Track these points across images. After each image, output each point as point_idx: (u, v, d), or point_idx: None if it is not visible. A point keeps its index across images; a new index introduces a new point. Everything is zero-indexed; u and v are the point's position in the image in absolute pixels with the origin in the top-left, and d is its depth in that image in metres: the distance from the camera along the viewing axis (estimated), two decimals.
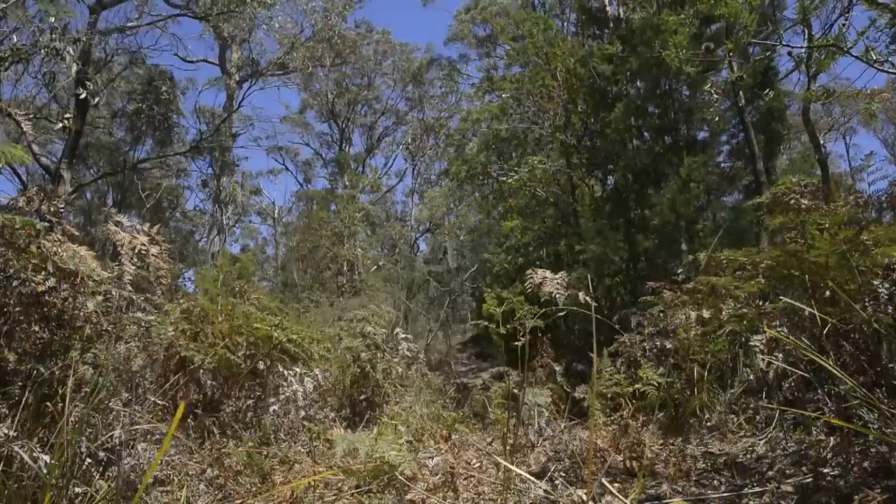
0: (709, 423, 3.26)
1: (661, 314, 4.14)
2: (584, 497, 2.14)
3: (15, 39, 7.31)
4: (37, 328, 2.40)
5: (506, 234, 12.66)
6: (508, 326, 3.65)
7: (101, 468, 2.22)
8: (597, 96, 10.06)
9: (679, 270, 4.64)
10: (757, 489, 2.27)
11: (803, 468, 2.37)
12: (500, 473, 2.59)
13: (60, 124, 9.41)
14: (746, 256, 3.45)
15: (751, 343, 3.11)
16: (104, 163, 19.71)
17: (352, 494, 2.53)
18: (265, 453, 3.02)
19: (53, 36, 7.13)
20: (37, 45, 7.21)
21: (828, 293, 2.74)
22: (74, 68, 7.46)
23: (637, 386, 3.36)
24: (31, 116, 10.56)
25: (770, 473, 2.42)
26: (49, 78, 10.03)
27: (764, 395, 3.23)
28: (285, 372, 3.99)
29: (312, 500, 2.49)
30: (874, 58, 4.76)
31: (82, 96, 9.72)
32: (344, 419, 4.51)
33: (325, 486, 2.64)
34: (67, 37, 7.63)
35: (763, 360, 2.98)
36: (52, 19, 7.22)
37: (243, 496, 2.55)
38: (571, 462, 2.82)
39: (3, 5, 7.96)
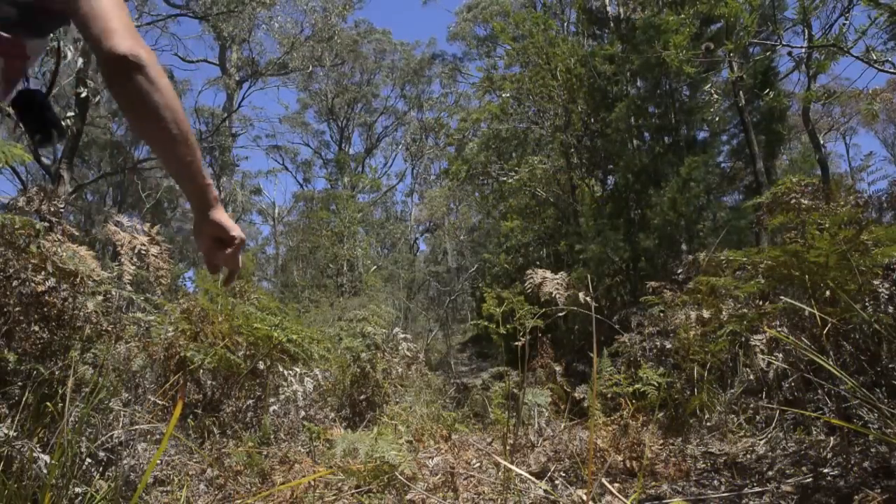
0: (709, 423, 3.26)
1: (661, 314, 4.14)
2: (584, 497, 2.14)
3: None
4: (37, 328, 2.40)
5: (506, 234, 12.67)
6: (508, 326, 3.65)
7: (101, 468, 2.22)
8: (597, 96, 10.07)
9: (679, 270, 4.64)
10: (757, 489, 2.27)
11: (803, 468, 2.37)
12: (500, 473, 2.59)
13: (62, 124, 9.40)
14: (746, 256, 3.45)
15: (751, 343, 3.11)
16: (104, 163, 19.72)
17: (352, 494, 2.53)
18: (265, 453, 3.02)
19: (53, 35, 7.13)
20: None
21: (828, 293, 2.74)
22: (80, 61, 7.43)
23: (637, 386, 3.36)
24: None
25: (770, 473, 2.42)
26: (49, 77, 10.00)
27: (764, 395, 3.23)
28: (285, 372, 3.99)
29: (312, 500, 2.50)
30: (874, 58, 4.76)
31: (83, 95, 9.71)
32: (344, 419, 4.51)
33: (325, 486, 2.64)
34: (68, 36, 7.63)
35: (763, 360, 2.98)
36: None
37: (243, 496, 2.55)
38: (571, 462, 2.82)
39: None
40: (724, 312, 3.40)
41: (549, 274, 3.30)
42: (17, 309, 2.34)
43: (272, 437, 3.48)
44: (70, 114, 9.95)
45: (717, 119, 9.47)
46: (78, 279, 2.48)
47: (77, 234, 2.78)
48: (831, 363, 2.18)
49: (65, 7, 0.98)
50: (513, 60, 12.27)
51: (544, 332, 5.04)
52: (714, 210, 9.46)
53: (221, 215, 1.12)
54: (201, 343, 3.54)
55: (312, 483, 2.57)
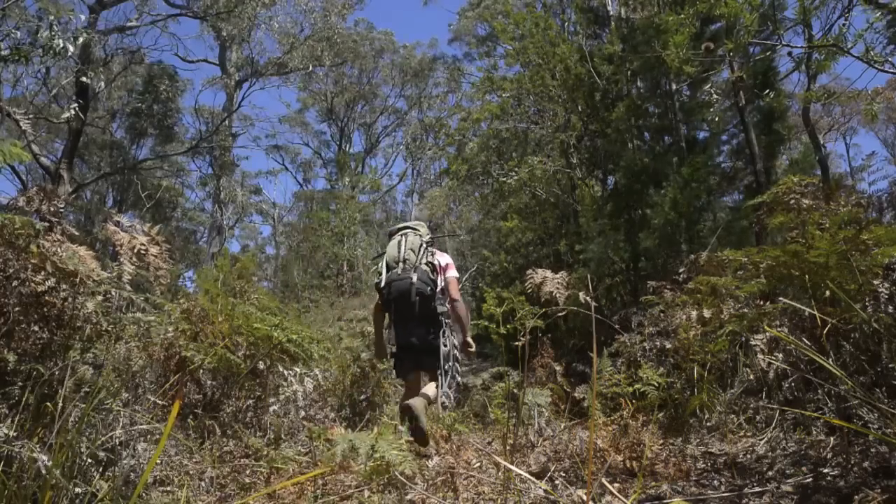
0: (709, 423, 3.26)
1: (662, 314, 4.14)
2: (584, 497, 2.14)
3: (19, 35, 7.30)
4: (37, 328, 2.40)
5: (506, 234, 12.67)
6: (508, 326, 3.65)
7: (101, 468, 2.22)
8: (597, 96, 10.07)
9: (679, 270, 4.64)
10: (757, 489, 2.27)
11: (803, 468, 2.37)
12: (500, 473, 2.59)
13: (66, 115, 9.40)
14: (746, 256, 3.45)
15: (751, 343, 3.11)
16: (104, 163, 19.71)
17: (351, 494, 2.53)
18: (269, 454, 3.02)
19: (52, 33, 7.12)
20: (35, 43, 7.19)
21: (828, 293, 2.74)
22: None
23: (637, 386, 3.36)
24: (30, 116, 10.57)
25: (770, 473, 2.42)
26: (46, 73, 10.05)
27: (764, 395, 3.23)
28: (285, 372, 3.99)
29: (312, 499, 2.50)
30: (874, 58, 4.75)
31: (85, 79, 9.68)
32: (344, 419, 4.52)
33: (324, 485, 2.64)
34: (69, 33, 7.63)
35: (763, 360, 2.98)
36: (52, 17, 7.22)
37: (244, 496, 2.55)
38: (571, 462, 2.82)
39: (3, 5, 7.95)
40: (724, 312, 3.40)
41: (549, 274, 3.31)
42: (17, 309, 2.34)
43: (277, 436, 3.48)
44: (73, 106, 9.95)
45: (716, 119, 9.46)
46: (78, 279, 2.49)
47: (77, 234, 2.78)
48: (831, 363, 2.18)
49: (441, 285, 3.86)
50: (513, 60, 12.27)
51: (544, 332, 5.04)
52: (714, 210, 9.45)
53: (469, 338, 3.89)
54: (201, 343, 3.54)
55: (311, 482, 2.57)
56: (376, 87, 27.70)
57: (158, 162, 19.40)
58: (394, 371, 4.05)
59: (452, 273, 3.91)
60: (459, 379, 3.90)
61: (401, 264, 3.73)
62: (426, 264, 3.75)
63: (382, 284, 3.72)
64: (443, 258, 3.91)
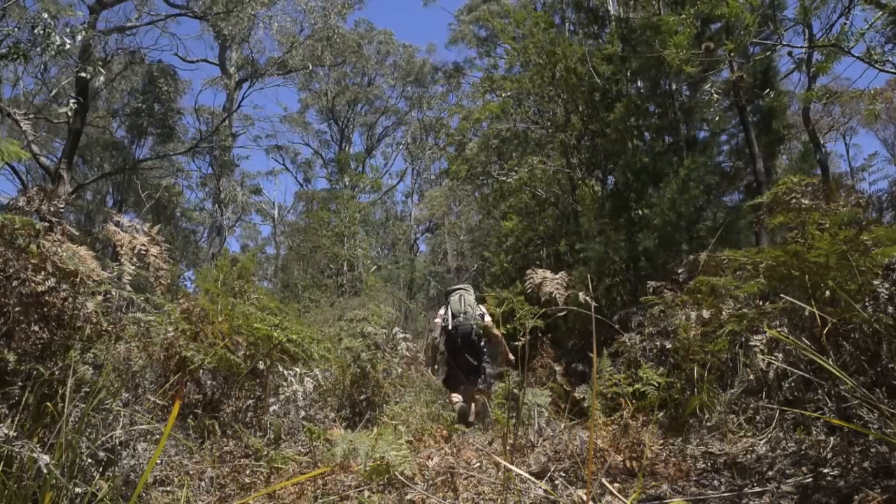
0: (709, 423, 3.26)
1: (662, 314, 4.13)
2: (584, 497, 2.14)
3: (18, 31, 7.30)
4: (37, 328, 2.40)
5: (506, 234, 12.65)
6: (508, 326, 3.64)
7: (101, 468, 2.22)
8: (597, 96, 10.06)
9: (679, 270, 4.63)
10: (757, 489, 2.26)
11: (803, 468, 2.37)
12: (500, 473, 2.59)
13: (63, 110, 9.37)
14: (746, 256, 3.44)
15: (751, 343, 3.11)
16: (105, 163, 19.70)
17: (351, 495, 2.53)
18: (269, 453, 3.02)
19: (48, 31, 7.11)
20: (35, 41, 7.19)
21: (828, 293, 2.74)
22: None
23: (637, 386, 3.35)
24: (30, 116, 10.56)
25: (770, 473, 2.42)
26: (44, 71, 10.06)
27: (764, 395, 3.23)
28: (285, 372, 3.99)
29: (312, 499, 2.50)
30: (875, 58, 4.75)
31: (86, 77, 9.64)
32: (344, 419, 4.51)
33: (324, 485, 2.64)
34: (67, 29, 7.63)
35: (763, 360, 2.97)
36: (46, 15, 7.22)
37: (243, 496, 2.55)
38: (571, 462, 2.82)
39: (4, 5, 7.96)
40: (724, 312, 3.39)
41: (549, 274, 3.30)
42: (17, 309, 2.33)
43: (278, 436, 3.48)
44: (73, 102, 9.91)
45: (716, 119, 9.45)
46: (78, 279, 2.48)
47: (77, 234, 2.77)
48: (831, 363, 2.18)
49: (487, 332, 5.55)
50: (513, 60, 12.24)
51: (544, 332, 5.04)
52: (714, 210, 9.43)
53: (510, 356, 5.71)
54: (201, 343, 3.54)
55: (311, 482, 2.57)
56: (377, 87, 27.70)
57: (158, 162, 19.38)
58: (444, 383, 5.80)
59: (488, 318, 5.58)
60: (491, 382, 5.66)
61: (462, 315, 5.64)
62: (479, 315, 5.63)
63: (451, 328, 5.59)
64: (481, 309, 5.76)
